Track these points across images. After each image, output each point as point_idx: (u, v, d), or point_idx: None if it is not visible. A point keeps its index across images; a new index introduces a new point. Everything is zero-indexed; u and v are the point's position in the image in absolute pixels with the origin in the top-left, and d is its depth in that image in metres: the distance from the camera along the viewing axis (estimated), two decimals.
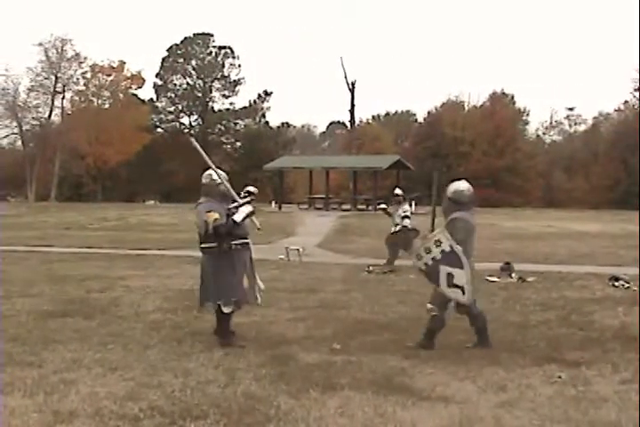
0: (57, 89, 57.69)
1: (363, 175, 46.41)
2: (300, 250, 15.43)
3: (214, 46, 67.19)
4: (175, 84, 66.72)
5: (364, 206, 37.91)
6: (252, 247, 7.31)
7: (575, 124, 68.16)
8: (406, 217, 13.62)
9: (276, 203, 39.14)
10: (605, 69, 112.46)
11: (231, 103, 67.66)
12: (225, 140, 67.50)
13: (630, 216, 29.98)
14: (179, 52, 66.41)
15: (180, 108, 66.98)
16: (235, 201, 7.02)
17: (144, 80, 62.69)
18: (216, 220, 6.74)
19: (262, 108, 67.94)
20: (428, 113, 62.75)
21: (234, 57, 67.37)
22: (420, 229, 11.21)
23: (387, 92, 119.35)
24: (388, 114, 76.58)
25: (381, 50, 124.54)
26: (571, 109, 67.40)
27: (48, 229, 25.22)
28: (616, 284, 11.26)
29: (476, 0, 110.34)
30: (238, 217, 6.86)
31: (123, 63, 60.00)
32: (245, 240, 7.07)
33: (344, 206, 38.98)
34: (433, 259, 6.70)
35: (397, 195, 14.08)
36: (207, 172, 7.08)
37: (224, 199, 6.99)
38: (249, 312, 7.89)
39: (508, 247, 18.43)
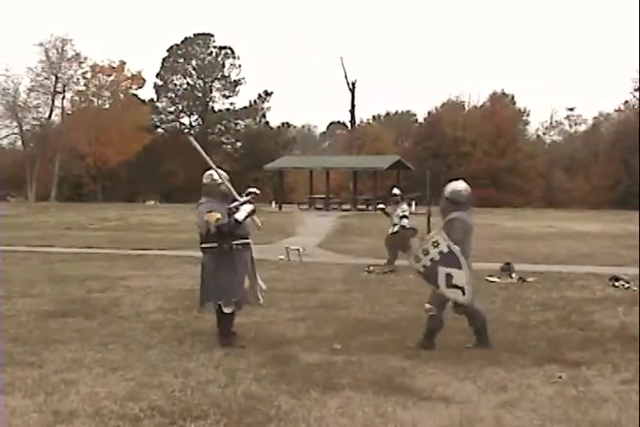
0: (57, 89, 57.71)
1: (363, 175, 46.41)
2: (301, 250, 15.43)
3: (215, 46, 67.23)
4: (175, 85, 66.75)
5: (364, 206, 37.90)
6: (253, 247, 7.31)
7: (575, 124, 68.28)
8: (405, 217, 13.62)
9: (276, 203, 39.14)
10: (605, 69, 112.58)
11: (231, 103, 67.80)
12: (225, 141, 67.51)
13: (630, 216, 29.98)
14: (179, 52, 66.43)
15: (180, 108, 67.00)
16: (235, 200, 7.02)
17: (144, 80, 62.76)
18: (218, 220, 6.75)
19: (262, 109, 67.98)
20: (429, 113, 62.83)
21: (234, 57, 67.46)
22: (420, 229, 11.22)
23: (387, 92, 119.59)
24: (388, 114, 76.63)
25: (381, 50, 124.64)
26: (571, 110, 67.51)
27: (48, 230, 25.22)
28: (616, 284, 11.26)
29: (476, 0, 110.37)
30: (240, 216, 6.86)
31: (123, 63, 60.04)
32: (246, 240, 7.06)
33: (344, 206, 38.97)
34: (431, 260, 6.69)
35: (395, 195, 14.09)
36: (208, 172, 7.08)
37: (225, 199, 6.99)
38: (249, 312, 7.89)
39: (508, 247, 18.44)
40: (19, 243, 18.97)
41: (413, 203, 31.01)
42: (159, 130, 66.63)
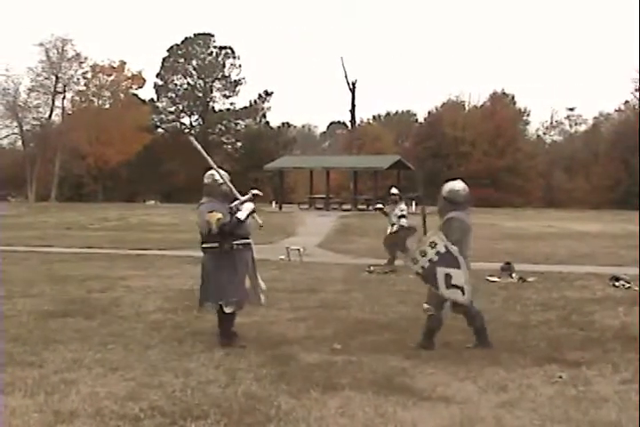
0: (57, 89, 57.70)
1: (363, 175, 46.42)
2: (301, 250, 15.43)
3: (215, 46, 67.23)
4: (176, 85, 66.74)
5: (364, 206, 37.91)
6: (254, 247, 7.30)
7: (576, 124, 68.25)
8: (403, 216, 13.62)
9: (276, 203, 39.14)
10: (606, 70, 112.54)
11: (232, 103, 67.78)
12: (225, 141, 67.51)
13: (631, 216, 29.98)
14: (179, 52, 66.43)
15: (180, 108, 66.99)
16: (236, 199, 7.02)
17: (145, 80, 62.75)
18: (219, 219, 6.75)
19: (263, 108, 67.97)
20: (429, 113, 62.82)
21: (234, 57, 67.44)
22: (418, 228, 11.21)
23: (387, 92, 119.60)
24: (388, 114, 76.65)
25: (382, 50, 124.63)
26: (571, 109, 67.48)
27: (48, 230, 25.23)
28: (616, 284, 11.25)
29: (476, 0, 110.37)
30: (242, 214, 6.87)
31: (123, 63, 60.02)
32: (247, 240, 7.06)
33: (344, 206, 38.98)
34: (429, 261, 6.68)
35: (394, 194, 14.10)
36: (209, 172, 7.08)
37: (226, 199, 6.99)
38: (249, 312, 7.89)
39: (508, 247, 18.45)
40: (19, 243, 18.98)
41: (414, 203, 31.03)
42: (159, 130, 66.62)
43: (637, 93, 56.75)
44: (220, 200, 6.95)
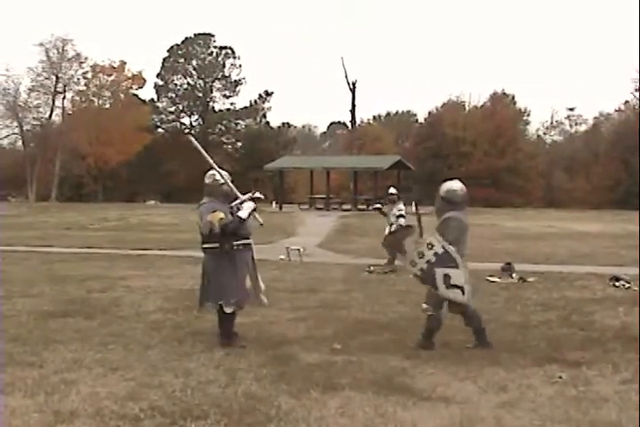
0: (58, 89, 57.71)
1: (363, 175, 46.42)
2: (301, 250, 15.43)
3: (215, 46, 67.23)
4: (176, 85, 66.74)
5: (364, 206, 37.91)
6: (254, 248, 7.30)
7: (576, 124, 68.25)
8: (401, 216, 13.61)
9: (276, 203, 39.14)
10: (606, 70, 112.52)
11: (232, 103, 67.77)
12: (226, 141, 67.51)
13: (631, 216, 29.98)
14: (179, 52, 66.43)
15: (180, 108, 66.99)
16: (236, 199, 7.02)
17: (145, 80, 62.76)
18: (221, 219, 6.74)
19: (263, 109, 67.96)
20: (429, 113, 62.82)
21: (234, 57, 67.44)
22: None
23: (387, 92, 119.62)
24: (388, 114, 76.66)
25: (382, 50, 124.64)
26: (571, 110, 67.48)
27: (48, 230, 25.22)
28: (617, 284, 11.25)
29: (476, 0, 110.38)
30: (243, 213, 6.87)
31: (123, 63, 60.04)
32: (247, 241, 7.06)
33: (345, 206, 38.99)
34: (427, 262, 6.68)
35: (392, 194, 14.10)
36: (210, 172, 7.08)
37: (227, 199, 6.99)
38: (250, 313, 7.89)
39: (508, 247, 18.44)
40: (19, 243, 18.97)
41: (414, 203, 30.93)
42: (160, 130, 66.62)
43: (637, 93, 56.81)
44: (220, 200, 6.95)
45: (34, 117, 58.59)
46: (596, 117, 65.12)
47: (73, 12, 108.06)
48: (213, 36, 67.29)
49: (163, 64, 66.34)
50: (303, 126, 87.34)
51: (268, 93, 67.83)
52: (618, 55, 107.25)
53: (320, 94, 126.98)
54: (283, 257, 15.20)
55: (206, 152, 7.20)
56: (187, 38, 66.70)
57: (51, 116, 58.75)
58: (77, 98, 59.65)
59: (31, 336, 7.33)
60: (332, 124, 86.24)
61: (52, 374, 5.87)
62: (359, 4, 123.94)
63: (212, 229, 6.77)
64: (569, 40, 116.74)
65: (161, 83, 66.34)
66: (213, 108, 67.65)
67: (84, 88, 59.50)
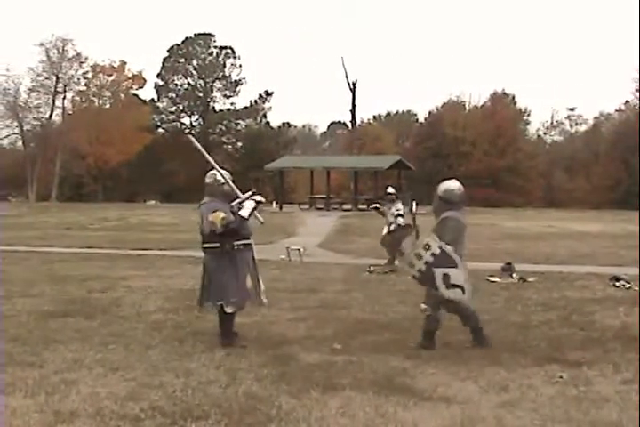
0: (58, 89, 57.69)
1: (364, 175, 46.44)
2: (301, 250, 15.42)
3: (215, 46, 67.25)
4: (176, 85, 66.75)
5: (364, 206, 37.89)
6: (255, 248, 7.30)
7: (576, 124, 68.26)
8: (399, 215, 13.61)
9: (276, 203, 39.14)
10: (606, 69, 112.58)
11: (232, 103, 67.80)
12: (226, 141, 67.52)
13: (631, 216, 29.97)
14: (180, 52, 66.44)
15: (180, 108, 67.00)
16: (237, 198, 7.02)
17: (145, 80, 62.77)
18: (223, 218, 6.74)
19: (263, 109, 67.98)
20: (429, 113, 62.88)
21: (235, 57, 67.45)
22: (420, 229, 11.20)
23: (388, 92, 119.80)
24: (389, 114, 76.67)
25: (382, 50, 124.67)
26: (572, 109, 67.50)
27: (49, 230, 25.22)
28: (617, 284, 11.24)
29: (476, 0, 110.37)
30: (245, 212, 6.87)
31: (124, 63, 60.05)
32: (248, 241, 7.06)
33: (345, 206, 38.99)
34: (426, 263, 6.67)
35: (390, 193, 14.11)
36: (211, 171, 7.08)
37: (227, 199, 6.99)
38: (250, 313, 7.88)
39: (508, 247, 18.44)
40: (19, 243, 18.97)
41: (414, 203, 30.94)
42: (160, 130, 66.63)
43: (638, 93, 56.79)
44: (221, 200, 6.94)
45: (34, 117, 58.63)
46: (596, 117, 65.25)
47: (73, 12, 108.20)
48: (214, 36, 67.41)
49: (163, 64, 66.38)
50: (303, 126, 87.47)
51: (268, 93, 67.88)
52: (618, 55, 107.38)
53: (320, 94, 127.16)
54: (283, 257, 15.19)
55: (207, 152, 7.20)
56: (187, 38, 66.73)
57: (51, 116, 58.79)
58: (78, 98, 59.66)
59: (31, 336, 7.32)
60: (332, 123, 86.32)
61: (53, 374, 5.87)
62: (359, 4, 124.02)
63: (214, 228, 6.76)
64: (569, 40, 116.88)
65: (161, 83, 66.36)
66: (214, 108, 67.67)
67: (85, 88, 59.53)
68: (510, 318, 8.57)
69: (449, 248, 6.60)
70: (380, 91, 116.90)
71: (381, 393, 5.32)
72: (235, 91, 67.58)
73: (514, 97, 62.50)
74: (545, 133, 68.73)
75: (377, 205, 14.71)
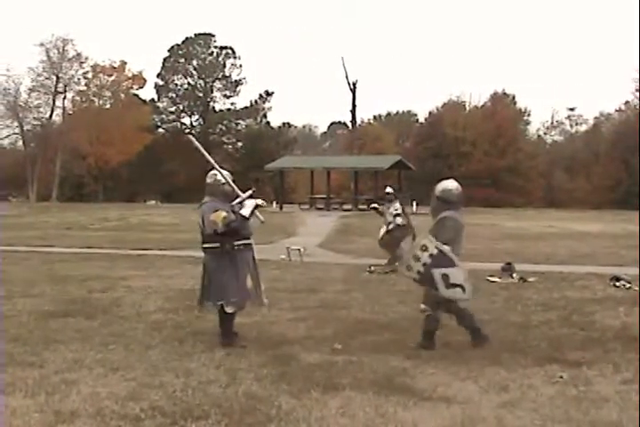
0: (58, 89, 57.70)
1: (364, 175, 46.44)
2: (302, 250, 15.42)
3: (215, 46, 67.27)
4: (176, 85, 66.77)
5: (365, 206, 37.88)
6: (255, 248, 7.30)
7: (576, 124, 68.29)
8: (398, 215, 13.60)
9: (277, 203, 39.16)
10: (606, 69, 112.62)
11: (232, 103, 67.84)
12: (226, 141, 67.54)
13: (631, 216, 29.98)
14: (180, 52, 66.46)
15: (181, 108, 67.03)
16: (237, 197, 7.02)
17: (145, 80, 62.79)
18: (225, 218, 6.74)
19: (263, 109, 68.00)
20: (430, 113, 62.88)
21: (235, 57, 67.48)
22: (420, 229, 11.21)
23: (388, 92, 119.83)
24: (389, 114, 76.68)
25: (383, 50, 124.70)
26: (572, 110, 67.52)
27: (49, 230, 25.23)
28: (617, 284, 11.24)
29: (476, 0, 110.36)
30: (246, 211, 6.87)
31: (124, 63, 60.06)
32: (248, 241, 7.06)
33: (345, 206, 39.01)
34: (424, 265, 6.67)
35: (389, 193, 14.11)
36: (212, 171, 7.08)
37: (227, 199, 6.99)
38: (250, 313, 7.88)
39: (509, 247, 18.44)
40: (19, 243, 18.98)
41: (414, 203, 31.02)
42: (160, 130, 66.66)
43: (638, 93, 56.78)
44: (221, 200, 6.95)
45: (34, 117, 58.66)
46: (596, 117, 65.25)
47: (73, 11, 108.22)
48: (214, 36, 67.43)
49: (163, 64, 66.40)
50: (303, 126, 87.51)
51: (268, 93, 67.89)
52: (618, 55, 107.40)
53: (320, 94, 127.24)
54: (283, 257, 15.20)
55: (207, 152, 7.20)
56: (187, 38, 66.76)
57: (51, 116, 58.82)
58: (78, 98, 59.68)
59: (32, 336, 7.33)
60: (332, 124, 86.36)
61: (53, 374, 5.87)
62: (359, 4, 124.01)
63: (216, 228, 6.76)
64: (569, 40, 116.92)
65: (161, 83, 66.38)
66: (214, 108, 67.69)
67: (85, 88, 59.54)
68: (510, 318, 8.57)
69: (446, 248, 6.60)
70: (380, 91, 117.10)
71: (381, 393, 5.32)
72: (235, 91, 67.63)
73: (514, 97, 62.58)
74: (545, 133, 68.83)
75: (375, 205, 14.72)
